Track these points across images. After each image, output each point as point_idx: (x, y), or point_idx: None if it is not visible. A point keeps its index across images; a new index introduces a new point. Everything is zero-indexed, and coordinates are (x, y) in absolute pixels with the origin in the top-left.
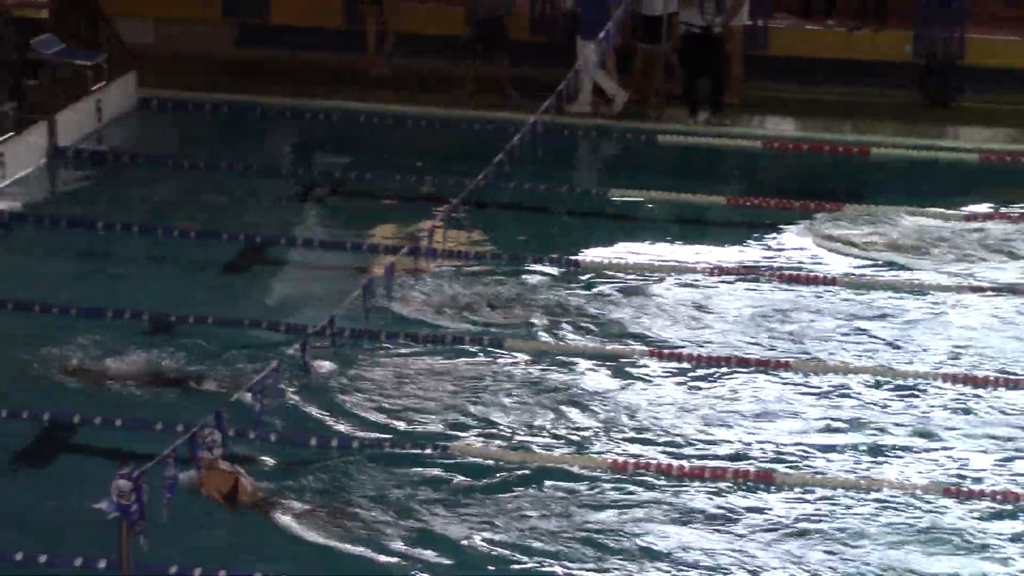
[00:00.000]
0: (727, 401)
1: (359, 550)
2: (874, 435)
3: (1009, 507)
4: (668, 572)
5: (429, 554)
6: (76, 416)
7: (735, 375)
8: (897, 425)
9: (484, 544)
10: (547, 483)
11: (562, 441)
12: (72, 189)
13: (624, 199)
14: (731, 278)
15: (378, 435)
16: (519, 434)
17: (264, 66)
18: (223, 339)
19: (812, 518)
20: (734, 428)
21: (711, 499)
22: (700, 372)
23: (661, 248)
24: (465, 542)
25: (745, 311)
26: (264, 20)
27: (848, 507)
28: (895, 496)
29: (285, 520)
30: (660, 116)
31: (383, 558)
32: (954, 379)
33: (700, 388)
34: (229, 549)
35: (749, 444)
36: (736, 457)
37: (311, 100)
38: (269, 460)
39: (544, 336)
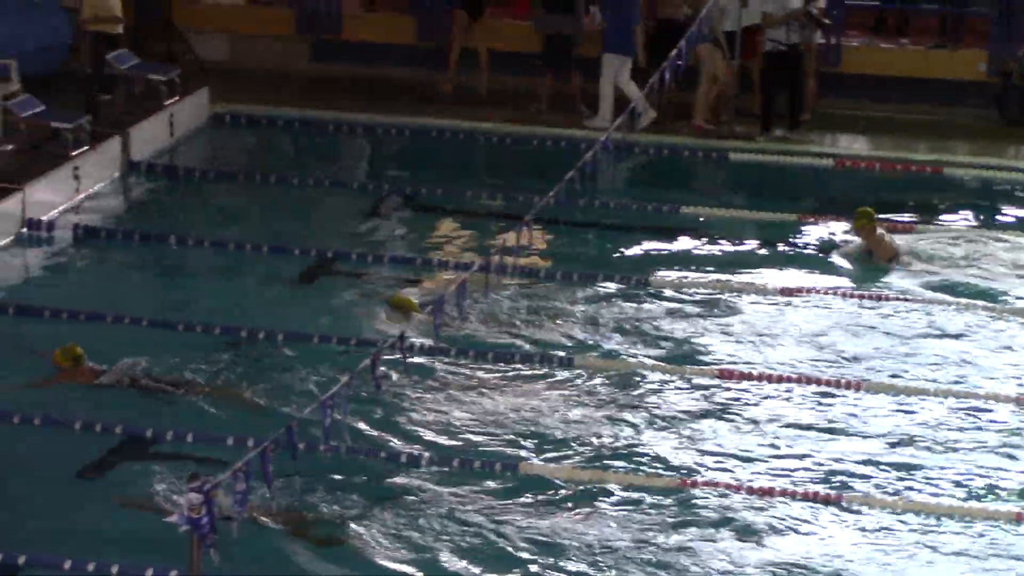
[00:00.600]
0: (796, 421)
1: (425, 566)
2: (945, 455)
3: None
4: None
5: (495, 571)
6: (148, 430)
7: (805, 394)
8: (969, 448)
9: (551, 562)
10: (614, 502)
11: (630, 460)
12: (145, 203)
13: (695, 216)
14: (801, 296)
15: (447, 451)
16: (588, 452)
17: (337, 82)
18: (293, 353)
19: (879, 538)
20: (803, 448)
21: (780, 519)
22: (769, 391)
23: (731, 266)
24: (532, 560)
25: (815, 329)
26: (337, 36)
27: (917, 529)
28: (967, 520)
29: (352, 535)
30: (732, 133)
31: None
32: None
33: (769, 407)
34: (294, 561)
35: (818, 464)
36: (805, 477)
37: (383, 115)
38: (338, 474)
39: (614, 354)
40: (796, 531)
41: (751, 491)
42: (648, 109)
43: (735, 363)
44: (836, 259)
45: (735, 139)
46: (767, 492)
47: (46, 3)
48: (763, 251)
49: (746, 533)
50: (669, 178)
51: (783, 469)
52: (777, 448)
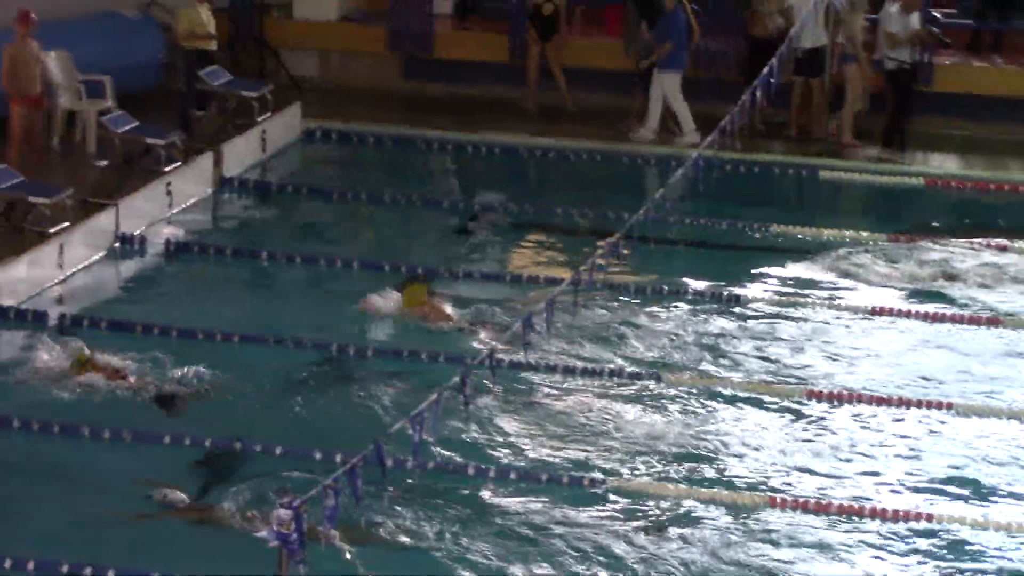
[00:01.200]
0: (882, 441)
1: None
2: None
3: None
4: None
5: None
6: (237, 443)
7: (892, 414)
8: None
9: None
10: (700, 518)
11: (717, 476)
12: (236, 218)
13: (785, 233)
14: (888, 316)
15: (535, 466)
16: (674, 468)
17: (428, 99)
18: (383, 369)
19: (965, 558)
20: (892, 467)
21: (866, 538)
22: (858, 411)
23: (819, 284)
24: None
25: (904, 349)
26: (428, 54)
27: (1002, 547)
28: None
29: (440, 550)
30: (820, 151)
31: None
32: None
33: (855, 427)
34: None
35: (908, 483)
36: (895, 496)
37: (473, 133)
38: (426, 490)
39: (701, 370)
40: (884, 549)
41: (839, 510)
42: (694, 131)
43: (822, 382)
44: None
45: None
46: (855, 511)
47: (141, 20)
48: (852, 270)
49: (832, 552)
50: (759, 195)
51: (869, 488)
52: (863, 467)
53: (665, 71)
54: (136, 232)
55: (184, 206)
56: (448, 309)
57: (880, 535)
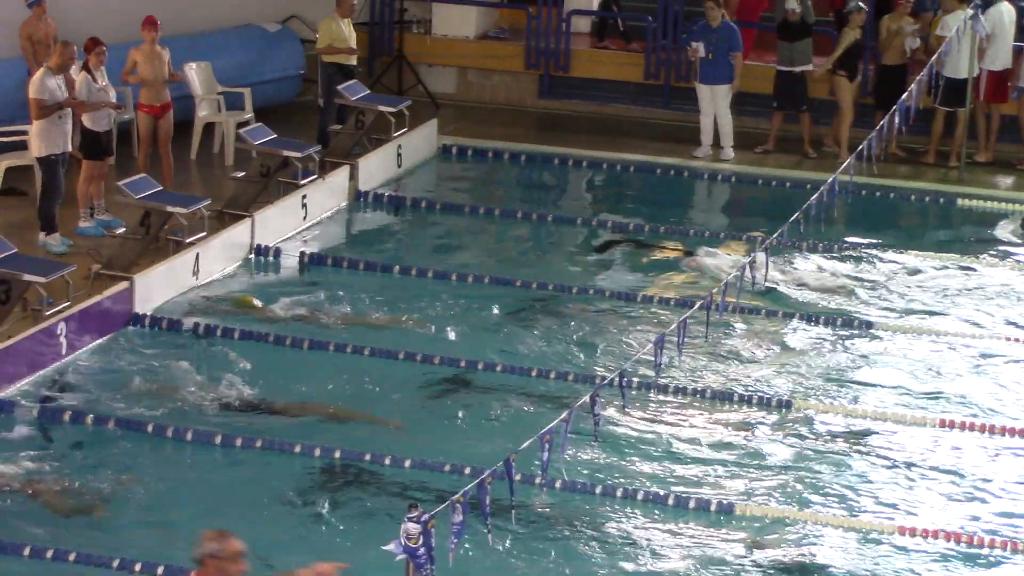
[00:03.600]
0: (1021, 474)
1: None
2: None
3: None
4: None
5: None
6: (367, 455)
7: None
8: None
9: None
10: (831, 545)
11: (847, 503)
12: (370, 232)
13: (920, 262)
14: None
15: (662, 488)
16: (803, 495)
17: (564, 117)
18: (511, 387)
19: None
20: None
21: (999, 572)
22: (1001, 443)
23: (958, 315)
24: None
25: None
26: (566, 73)
27: None
28: None
29: (566, 569)
30: (960, 178)
31: None
32: None
33: (993, 459)
34: None
35: None
36: None
37: (608, 152)
38: (552, 508)
39: (835, 397)
40: None
41: (970, 541)
42: (731, 149)
43: (963, 410)
44: None
45: (965, 185)
46: (990, 544)
47: (281, 33)
48: (990, 302)
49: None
50: (895, 221)
51: (1003, 521)
52: (999, 500)
53: (702, 84)
54: (271, 244)
55: (319, 219)
56: None
57: (1018, 569)
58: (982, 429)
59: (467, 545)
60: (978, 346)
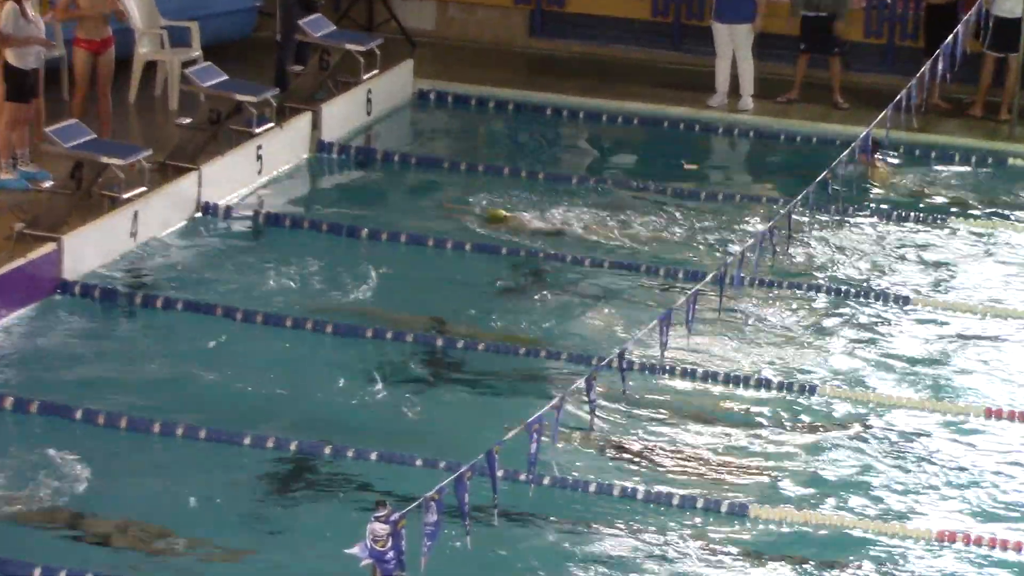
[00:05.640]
0: None
1: None
2: None
3: None
4: None
5: None
6: (327, 447)
7: None
8: None
9: None
10: (858, 549)
11: (879, 504)
12: (335, 189)
13: (963, 227)
14: None
15: (666, 486)
16: (826, 494)
17: (558, 60)
18: (494, 369)
19: None
20: None
21: None
22: None
23: (1002, 290)
24: None
25: None
26: (561, 8)
27: None
28: None
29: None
30: (1012, 136)
31: None
32: None
33: None
34: None
35: None
36: None
37: (608, 100)
38: (541, 508)
39: (862, 383)
40: None
41: (1004, 545)
42: (750, 98)
43: (1003, 400)
44: None
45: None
46: None
47: None
48: None
49: None
50: (935, 181)
51: None
52: None
53: (717, 23)
54: (221, 201)
55: (276, 173)
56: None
57: None
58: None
59: (442, 549)
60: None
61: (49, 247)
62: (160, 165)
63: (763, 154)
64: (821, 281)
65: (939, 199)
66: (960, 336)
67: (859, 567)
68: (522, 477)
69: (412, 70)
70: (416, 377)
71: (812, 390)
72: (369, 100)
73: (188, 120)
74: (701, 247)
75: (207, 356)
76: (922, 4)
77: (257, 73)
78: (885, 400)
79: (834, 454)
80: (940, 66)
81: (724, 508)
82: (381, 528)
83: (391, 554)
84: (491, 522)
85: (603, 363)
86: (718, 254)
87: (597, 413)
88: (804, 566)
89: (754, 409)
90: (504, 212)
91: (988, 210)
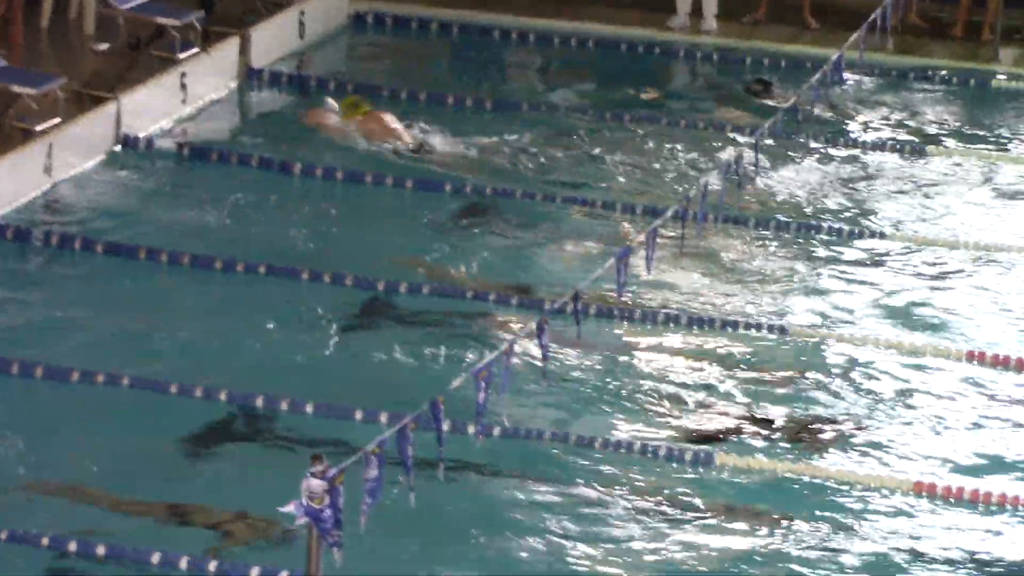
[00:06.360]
0: None
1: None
2: None
3: None
4: None
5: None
6: (259, 398)
7: None
8: None
9: (743, 568)
10: (829, 499)
11: (851, 452)
12: (265, 119)
13: (942, 155)
14: None
15: (626, 434)
16: (795, 442)
17: None
18: (439, 313)
19: None
20: None
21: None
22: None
23: (984, 221)
24: (715, 557)
25: None
26: None
27: None
28: None
29: (507, 533)
30: (995, 57)
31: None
32: None
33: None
34: (423, 558)
35: None
36: None
37: (561, 21)
38: (492, 460)
39: (838, 323)
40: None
41: (987, 499)
42: (714, 20)
43: (985, 343)
44: None
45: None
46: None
47: None
48: (1008, 206)
49: (972, 544)
50: (914, 107)
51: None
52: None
53: None
54: (142, 134)
55: (201, 103)
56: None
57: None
58: (1005, 364)
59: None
60: (1004, 260)
61: None
62: (76, 95)
63: (728, 79)
64: (790, 216)
65: (917, 125)
66: (940, 273)
67: (832, 516)
68: (470, 429)
69: None
70: (356, 323)
71: (782, 331)
72: (302, 23)
73: (106, 46)
74: (661, 180)
75: (130, 301)
76: None
77: None
78: (860, 341)
79: (805, 398)
80: None
81: (688, 457)
82: (318, 484)
83: (328, 512)
84: (437, 476)
85: (556, 306)
86: (680, 187)
87: (550, 359)
88: (771, 516)
89: (720, 352)
90: (360, 99)
91: (969, 135)
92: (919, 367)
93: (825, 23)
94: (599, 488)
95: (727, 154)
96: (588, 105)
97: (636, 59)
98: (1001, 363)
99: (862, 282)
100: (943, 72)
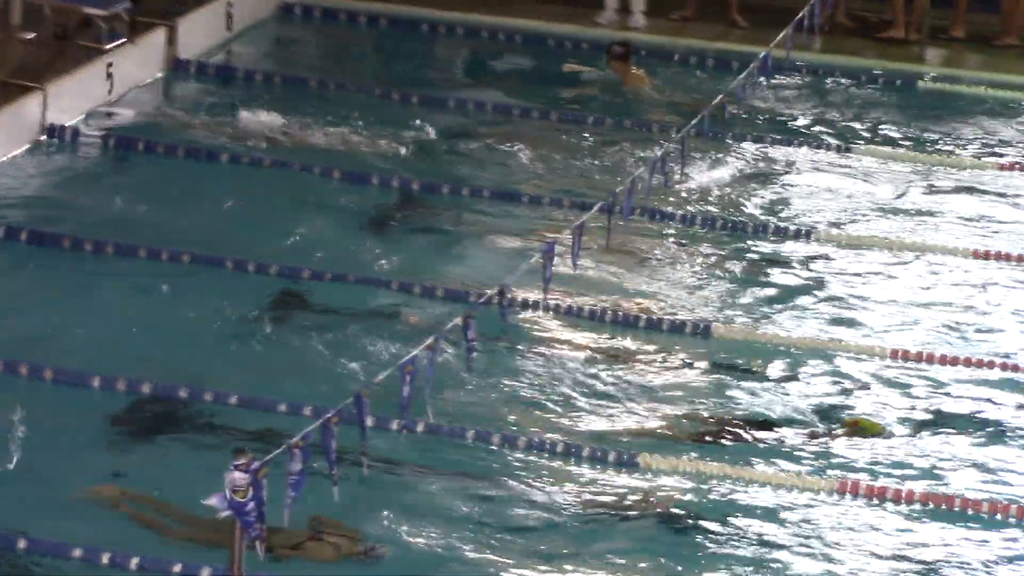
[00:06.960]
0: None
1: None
2: None
3: None
4: None
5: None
6: (183, 389)
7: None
8: None
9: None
10: (755, 508)
11: (774, 453)
12: (193, 110)
13: (869, 154)
14: (1002, 261)
15: (552, 433)
16: (722, 443)
17: None
18: (364, 306)
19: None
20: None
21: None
22: (946, 374)
23: (908, 224)
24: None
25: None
26: None
27: None
28: None
29: (430, 536)
30: (922, 55)
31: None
32: None
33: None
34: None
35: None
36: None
37: (488, 16)
38: (415, 454)
39: (760, 323)
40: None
41: (924, 499)
42: (641, 15)
43: (910, 340)
44: None
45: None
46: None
47: None
48: (946, 203)
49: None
50: (841, 106)
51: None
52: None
53: None
54: (68, 123)
55: (127, 93)
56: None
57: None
58: (929, 359)
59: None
60: (930, 259)
61: None
62: (1, 84)
63: (656, 75)
64: (716, 214)
65: (844, 124)
66: (865, 272)
67: (760, 525)
68: (394, 424)
69: None
70: (279, 314)
71: (706, 331)
72: (230, 14)
73: (31, 35)
74: (588, 175)
75: (54, 292)
76: None
77: None
78: (785, 340)
79: (729, 398)
80: None
81: (611, 458)
82: (240, 477)
83: (251, 505)
84: (361, 471)
85: (482, 300)
86: (606, 184)
87: (475, 354)
88: (695, 520)
89: (644, 350)
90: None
91: (896, 135)
92: (844, 366)
93: (753, 21)
94: (523, 486)
95: (653, 152)
96: (515, 101)
97: (564, 54)
98: (925, 360)
99: (787, 281)
100: (870, 72)
